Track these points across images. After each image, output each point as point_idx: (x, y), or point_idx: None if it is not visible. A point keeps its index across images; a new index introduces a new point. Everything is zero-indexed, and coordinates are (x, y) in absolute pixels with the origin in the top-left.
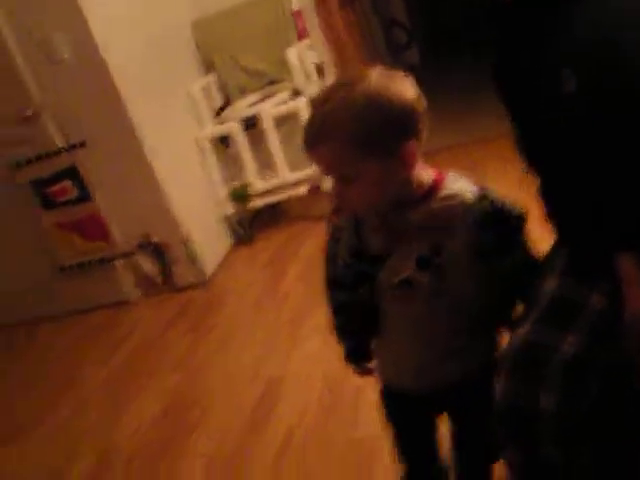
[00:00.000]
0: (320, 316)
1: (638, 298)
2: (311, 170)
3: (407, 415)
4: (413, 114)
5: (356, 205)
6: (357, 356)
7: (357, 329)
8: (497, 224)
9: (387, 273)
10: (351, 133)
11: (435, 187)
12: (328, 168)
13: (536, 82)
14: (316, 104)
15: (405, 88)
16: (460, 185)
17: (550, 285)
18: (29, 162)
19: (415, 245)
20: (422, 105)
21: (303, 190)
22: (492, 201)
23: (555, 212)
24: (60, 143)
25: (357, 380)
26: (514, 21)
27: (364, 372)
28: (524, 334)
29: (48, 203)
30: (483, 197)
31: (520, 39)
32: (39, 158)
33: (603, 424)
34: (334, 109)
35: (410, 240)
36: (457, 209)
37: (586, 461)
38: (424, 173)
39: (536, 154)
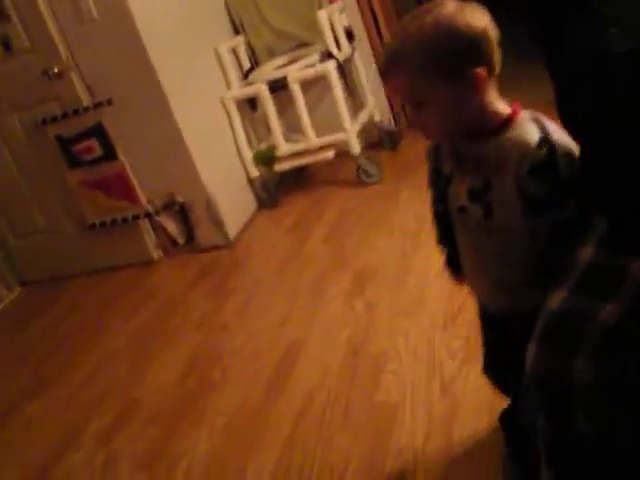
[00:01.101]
0: (344, 281)
1: None
2: (338, 135)
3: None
4: (482, 41)
5: (431, 130)
6: (452, 265)
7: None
8: (549, 174)
9: (451, 196)
10: (420, 60)
11: (506, 124)
12: (403, 95)
13: (582, 43)
14: (392, 35)
15: (475, 17)
16: (528, 128)
17: (587, 253)
18: (55, 119)
19: (470, 177)
20: (492, 33)
21: (330, 155)
22: (550, 150)
23: (595, 182)
24: (86, 101)
25: (380, 345)
26: None
27: (457, 280)
28: (558, 301)
29: (74, 161)
30: (543, 144)
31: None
32: (65, 115)
33: None
34: (405, 39)
35: (468, 171)
36: (515, 151)
37: (621, 437)
38: (499, 106)
39: (578, 122)
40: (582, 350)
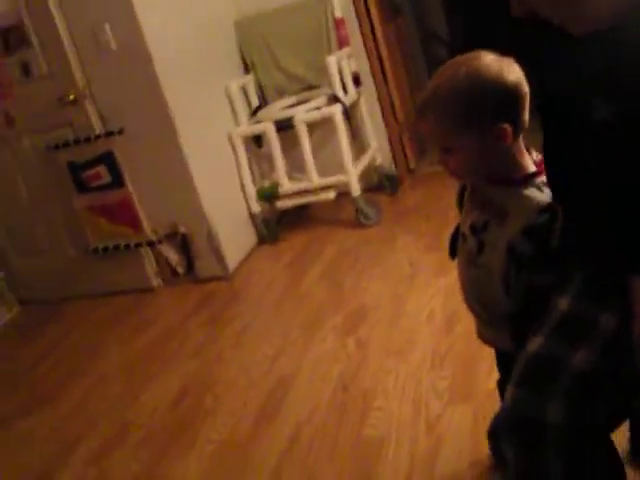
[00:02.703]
0: (338, 317)
1: None
2: (340, 176)
3: None
4: (512, 97)
5: (456, 173)
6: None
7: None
8: (541, 239)
9: (461, 221)
10: (450, 110)
11: (525, 180)
12: (431, 138)
13: (567, 108)
14: (431, 79)
15: (509, 72)
16: (541, 191)
17: (563, 303)
18: (67, 145)
19: (476, 212)
20: (524, 91)
21: (330, 195)
22: (551, 217)
23: (575, 234)
24: (99, 129)
25: (369, 382)
26: (540, 46)
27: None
28: (535, 348)
29: (82, 187)
30: (547, 210)
31: (548, 64)
32: (77, 142)
33: (608, 441)
34: (440, 85)
35: (475, 207)
36: (519, 208)
37: (586, 476)
38: (523, 161)
39: (561, 174)
40: (555, 393)
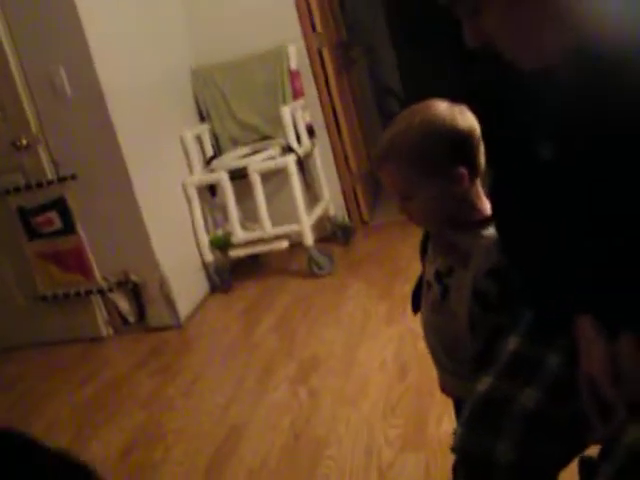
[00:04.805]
0: (290, 367)
1: (592, 358)
2: (293, 226)
3: None
4: (465, 142)
5: (417, 219)
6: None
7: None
8: (504, 280)
9: (425, 270)
10: (407, 157)
11: (484, 222)
12: (390, 186)
13: (512, 147)
14: (385, 130)
15: (462, 118)
16: None
17: (512, 343)
18: (17, 190)
19: (440, 259)
20: (476, 135)
21: (283, 245)
22: None
23: (519, 275)
24: (51, 174)
25: (321, 431)
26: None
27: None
28: (483, 388)
29: (33, 233)
30: None
31: (497, 105)
32: (28, 187)
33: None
34: (396, 135)
35: (439, 253)
36: (481, 250)
37: None
38: (481, 204)
39: (506, 216)
40: (503, 431)
